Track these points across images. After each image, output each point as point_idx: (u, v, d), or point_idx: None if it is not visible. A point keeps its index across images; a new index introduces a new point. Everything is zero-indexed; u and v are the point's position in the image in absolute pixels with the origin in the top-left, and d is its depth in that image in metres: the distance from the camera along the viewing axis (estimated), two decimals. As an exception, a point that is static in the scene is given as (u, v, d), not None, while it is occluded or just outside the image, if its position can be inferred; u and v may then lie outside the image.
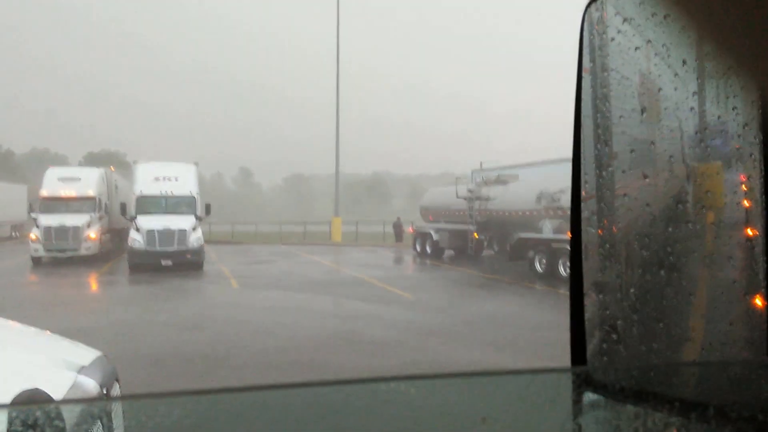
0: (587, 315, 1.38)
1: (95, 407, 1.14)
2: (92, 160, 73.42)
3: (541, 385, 1.04)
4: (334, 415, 0.94)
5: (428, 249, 27.48)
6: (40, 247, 23.77)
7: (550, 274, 18.58)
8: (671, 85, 1.32)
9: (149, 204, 22.68)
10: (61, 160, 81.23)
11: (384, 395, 0.92)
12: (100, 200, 25.91)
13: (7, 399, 2.56)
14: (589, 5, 1.40)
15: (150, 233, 21.46)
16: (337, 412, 0.94)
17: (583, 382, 1.11)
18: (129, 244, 21.83)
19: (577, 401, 1.07)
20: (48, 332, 4.11)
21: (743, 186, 1.20)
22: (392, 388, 0.92)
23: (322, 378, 7.21)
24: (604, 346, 1.37)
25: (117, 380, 3.83)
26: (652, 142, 1.38)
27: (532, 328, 11.12)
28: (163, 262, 21.16)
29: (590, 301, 1.40)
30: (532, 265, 19.82)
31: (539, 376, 1.07)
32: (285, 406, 0.95)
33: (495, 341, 10.12)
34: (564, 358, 1.39)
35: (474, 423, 0.94)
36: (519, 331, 10.89)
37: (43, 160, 72.74)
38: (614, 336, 1.37)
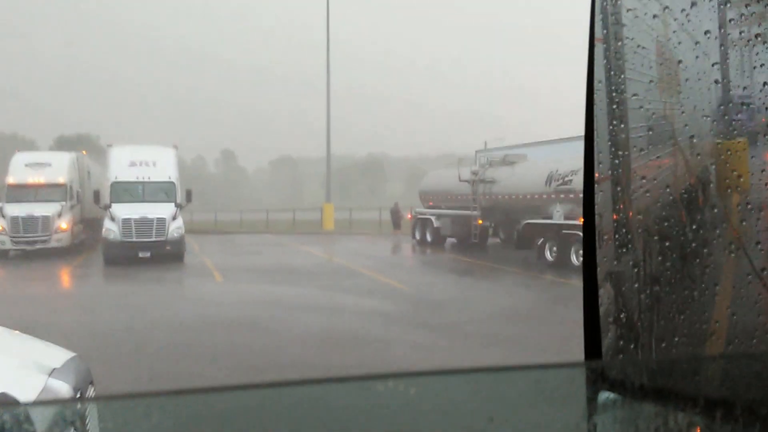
0: (602, 307, 1.38)
1: (68, 410, 1.14)
2: (63, 143, 73.13)
3: (552, 382, 1.03)
4: (330, 416, 0.94)
5: (428, 237, 27.47)
6: (6, 239, 23.72)
7: (562, 263, 18.55)
8: (692, 55, 1.31)
9: (125, 191, 22.61)
10: (29, 145, 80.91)
11: (384, 393, 0.92)
12: (71, 187, 25.83)
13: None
14: (602, -32, 1.39)
15: (126, 222, 21.41)
16: (333, 412, 0.94)
17: (598, 378, 1.11)
18: (103, 234, 21.78)
19: (591, 399, 1.07)
20: (17, 332, 4.11)
21: (771, 164, 1.19)
22: (392, 386, 0.92)
23: (316, 376, 7.19)
24: (621, 340, 1.37)
25: (91, 383, 3.83)
26: (672, 118, 1.37)
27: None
28: (141, 254, 21.12)
29: (605, 292, 1.40)
30: (541, 253, 19.80)
31: (550, 371, 1.07)
32: (276, 406, 0.95)
33: (509, 338, 10.15)
34: (581, 355, 1.39)
35: (480, 422, 0.94)
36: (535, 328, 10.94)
37: (10, 144, 72.44)
38: (631, 329, 1.37)
